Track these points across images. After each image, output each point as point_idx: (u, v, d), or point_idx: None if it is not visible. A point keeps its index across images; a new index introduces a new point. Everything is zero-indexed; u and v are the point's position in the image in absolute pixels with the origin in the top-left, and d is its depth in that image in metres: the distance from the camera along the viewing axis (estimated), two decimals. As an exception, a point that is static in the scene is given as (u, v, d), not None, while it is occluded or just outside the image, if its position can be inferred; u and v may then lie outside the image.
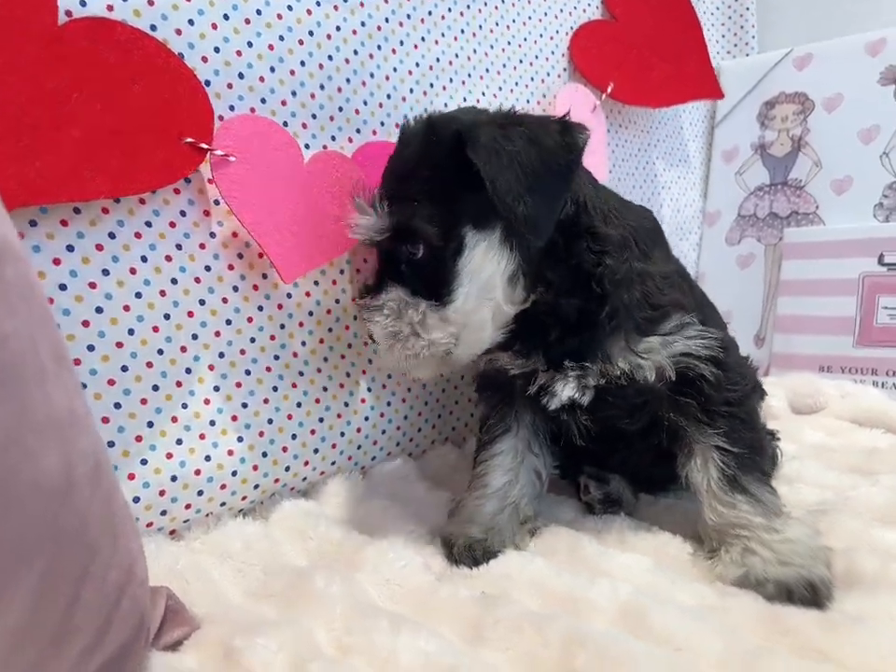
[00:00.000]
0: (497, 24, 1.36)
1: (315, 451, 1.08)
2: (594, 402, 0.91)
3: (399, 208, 0.84)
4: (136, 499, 0.89)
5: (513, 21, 1.40)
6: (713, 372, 0.87)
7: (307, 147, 1.06)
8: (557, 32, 1.49)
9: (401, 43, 1.18)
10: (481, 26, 1.33)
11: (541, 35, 1.45)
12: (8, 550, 0.43)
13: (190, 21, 0.93)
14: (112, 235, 0.87)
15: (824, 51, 1.77)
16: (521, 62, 1.40)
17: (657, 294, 0.88)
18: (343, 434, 1.11)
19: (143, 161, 0.84)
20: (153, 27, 0.89)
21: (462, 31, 1.29)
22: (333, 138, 1.10)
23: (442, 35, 1.25)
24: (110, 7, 0.86)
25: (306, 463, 1.07)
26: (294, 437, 1.05)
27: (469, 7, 1.30)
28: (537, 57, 1.43)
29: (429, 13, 1.22)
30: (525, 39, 1.42)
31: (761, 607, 0.74)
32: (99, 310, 0.86)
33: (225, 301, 0.98)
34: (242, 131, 0.94)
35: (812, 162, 1.75)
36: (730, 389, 0.89)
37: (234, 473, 0.98)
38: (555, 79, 1.47)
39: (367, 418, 1.15)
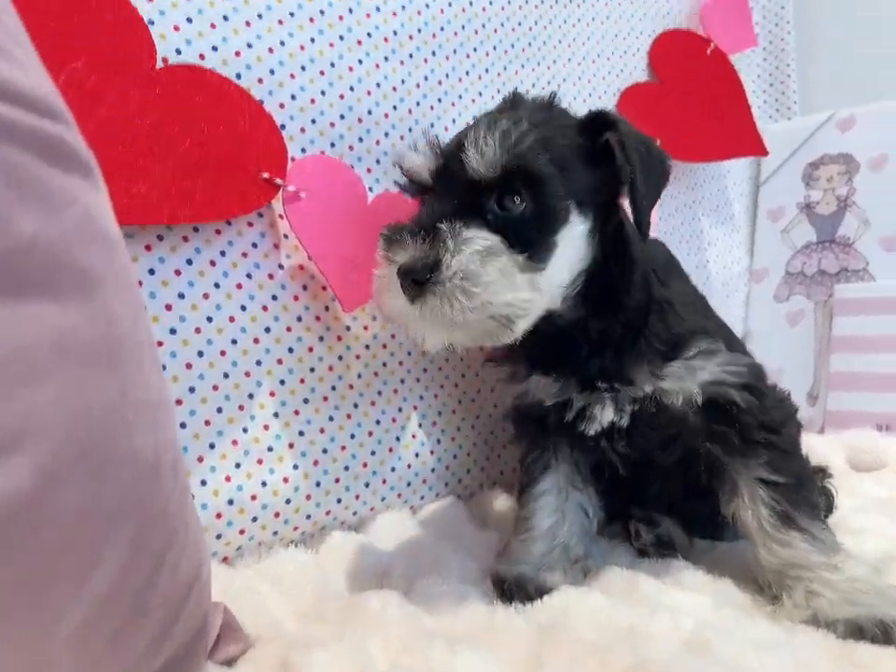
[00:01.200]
0: (548, 83, 1.43)
1: (367, 485, 1.08)
2: (629, 429, 0.90)
3: (519, 147, 0.77)
4: (195, 519, 0.90)
5: (564, 80, 1.47)
6: (747, 399, 0.86)
7: (371, 189, 1.12)
8: (605, 92, 1.56)
9: (460, 97, 1.25)
10: (534, 84, 1.40)
11: (590, 95, 1.52)
12: (105, 514, 0.45)
13: (272, 71, 1.01)
14: (189, 262, 0.92)
15: (867, 114, 1.80)
16: (571, 119, 1.46)
17: (679, 320, 0.89)
18: (393, 469, 1.12)
19: (223, 192, 0.89)
20: (238, 75, 0.97)
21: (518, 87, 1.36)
22: (396, 183, 1.15)
23: (498, 90, 1.32)
24: (202, 56, 0.94)
25: (357, 496, 1.07)
26: (347, 469, 1.06)
27: (523, 66, 1.37)
28: (586, 115, 1.49)
29: (486, 70, 1.29)
30: (575, 98, 1.49)
31: (831, 643, 0.71)
32: (173, 331, 0.90)
33: (289, 329, 1.01)
34: (313, 169, 1.00)
35: (859, 221, 1.76)
36: (767, 415, 0.87)
37: (288, 501, 0.99)
38: (604, 136, 1.52)
39: (417, 455, 1.15)
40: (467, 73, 1.26)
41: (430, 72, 1.20)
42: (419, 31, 1.17)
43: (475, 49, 1.27)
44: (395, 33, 1.14)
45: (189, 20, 0.93)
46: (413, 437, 1.15)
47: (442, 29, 1.21)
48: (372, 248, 1.04)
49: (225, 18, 0.96)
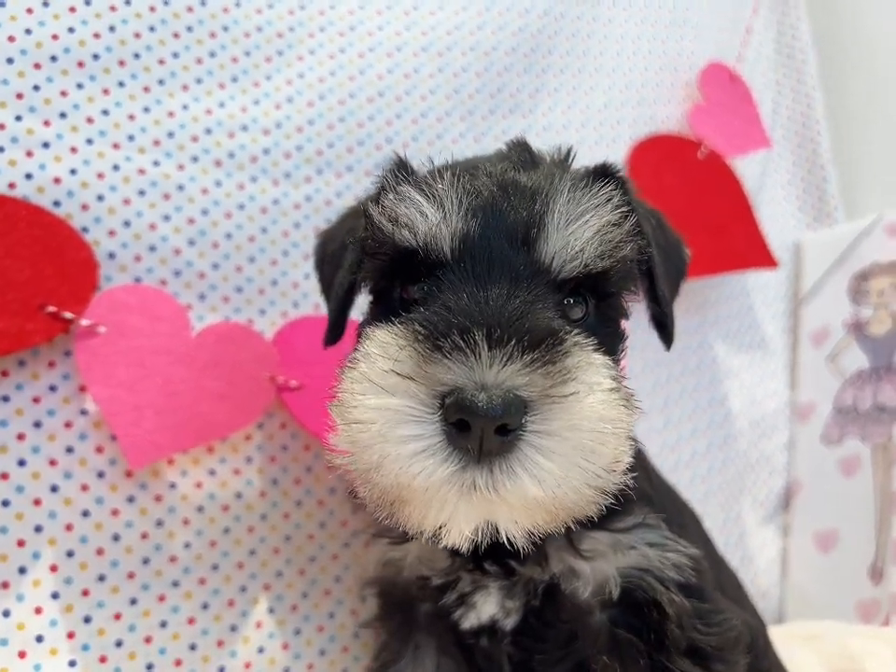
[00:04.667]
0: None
1: (179, 690, 0.85)
2: (520, 626, 0.67)
3: (617, 246, 0.59)
4: None
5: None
6: (676, 602, 0.61)
7: (227, 319, 0.97)
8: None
9: (356, 217, 1.10)
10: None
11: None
12: None
13: (100, 197, 0.91)
14: (-45, 410, 0.80)
15: (923, 215, 1.48)
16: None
17: None
18: (223, 669, 0.88)
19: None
20: (57, 203, 0.89)
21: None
22: (263, 312, 1.01)
23: (415, 209, 1.17)
24: (12, 185, 0.87)
25: (164, 706, 0.84)
26: (150, 667, 0.84)
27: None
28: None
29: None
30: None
31: None
32: (-86, 492, 0.76)
33: (85, 488, 0.85)
34: (123, 300, 0.87)
35: (924, 343, 1.39)
36: (702, 634, 0.61)
37: (55, 712, 0.78)
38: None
39: (261, 650, 0.90)
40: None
41: (315, 192, 1.07)
42: (299, 148, 1.06)
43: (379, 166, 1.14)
44: (266, 151, 1.04)
45: (1, 149, 0.87)
46: (259, 625, 0.91)
47: (331, 146, 1.09)
48: (187, 388, 0.88)
49: (45, 145, 0.89)
